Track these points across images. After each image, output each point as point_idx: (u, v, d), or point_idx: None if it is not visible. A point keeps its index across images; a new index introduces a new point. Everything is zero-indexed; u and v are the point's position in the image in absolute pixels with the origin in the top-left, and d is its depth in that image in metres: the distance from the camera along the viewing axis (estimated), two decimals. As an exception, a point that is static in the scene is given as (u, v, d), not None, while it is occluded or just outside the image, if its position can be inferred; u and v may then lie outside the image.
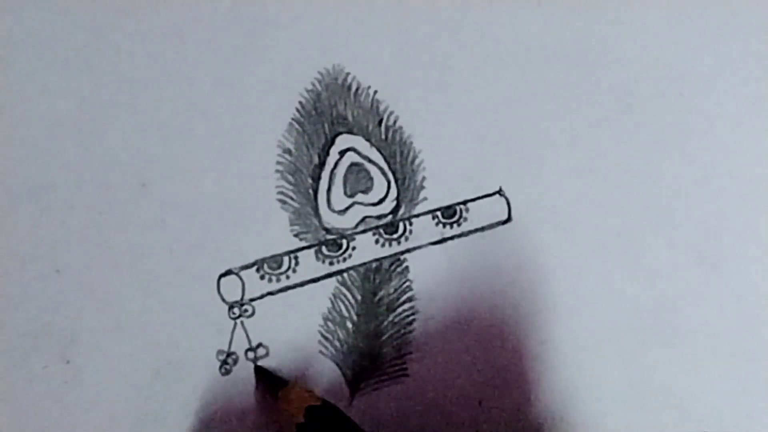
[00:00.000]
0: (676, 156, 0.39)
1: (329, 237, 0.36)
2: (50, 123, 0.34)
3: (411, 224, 0.37)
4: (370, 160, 0.37)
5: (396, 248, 0.37)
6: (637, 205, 0.39)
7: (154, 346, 0.34)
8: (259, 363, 0.35)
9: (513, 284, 0.37)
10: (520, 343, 0.37)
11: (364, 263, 0.36)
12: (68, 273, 0.34)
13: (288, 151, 0.36)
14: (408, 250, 0.37)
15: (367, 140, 0.37)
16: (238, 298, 0.35)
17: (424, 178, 0.37)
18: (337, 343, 0.36)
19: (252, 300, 0.35)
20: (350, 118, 0.36)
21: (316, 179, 0.36)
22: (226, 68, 0.35)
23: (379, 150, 0.37)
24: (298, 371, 0.35)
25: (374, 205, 0.37)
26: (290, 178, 0.36)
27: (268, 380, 0.35)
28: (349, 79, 0.36)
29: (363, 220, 0.36)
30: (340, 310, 0.36)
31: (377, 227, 0.37)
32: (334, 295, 0.36)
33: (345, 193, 0.36)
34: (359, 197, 0.36)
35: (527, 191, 0.38)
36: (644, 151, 0.39)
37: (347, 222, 0.36)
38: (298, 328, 0.35)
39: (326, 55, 0.36)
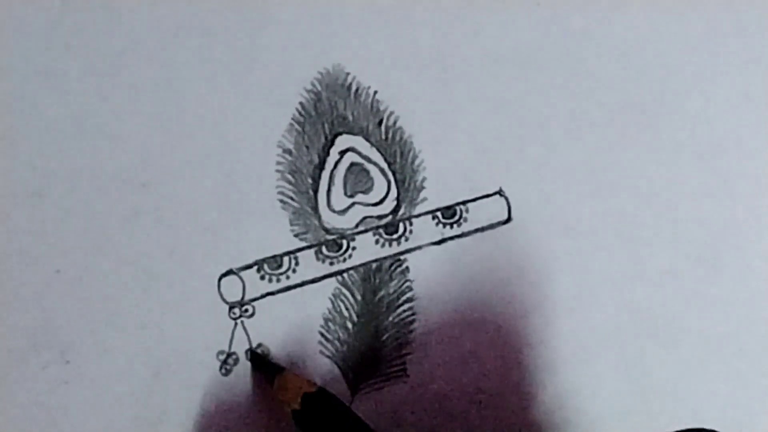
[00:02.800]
0: (676, 156, 0.39)
1: (329, 237, 0.36)
2: (50, 123, 0.34)
3: (411, 224, 0.37)
4: (370, 160, 0.37)
5: (396, 248, 0.37)
6: (637, 205, 0.39)
7: (154, 346, 0.34)
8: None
9: (513, 284, 0.37)
10: (520, 343, 0.37)
11: (364, 263, 0.36)
12: (68, 273, 0.34)
13: (288, 152, 0.36)
14: (408, 251, 0.37)
15: (367, 140, 0.37)
16: (239, 298, 0.35)
17: (424, 178, 0.37)
18: (337, 344, 0.36)
19: (252, 300, 0.35)
20: (350, 118, 0.36)
21: (316, 179, 0.36)
22: (226, 68, 0.35)
23: (379, 150, 0.37)
24: (298, 371, 0.35)
25: (374, 205, 0.37)
26: (290, 178, 0.36)
27: (263, 367, 0.35)
28: (349, 79, 0.36)
29: (363, 220, 0.36)
30: (340, 310, 0.36)
31: (377, 227, 0.37)
32: (334, 296, 0.36)
33: (345, 193, 0.36)
34: (359, 197, 0.36)
35: (527, 191, 0.38)
36: (644, 151, 0.39)
37: (347, 222, 0.36)
38: (298, 329, 0.35)
39: (326, 55, 0.36)
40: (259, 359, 0.35)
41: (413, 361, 0.36)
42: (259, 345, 0.35)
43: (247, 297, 0.35)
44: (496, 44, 0.38)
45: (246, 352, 0.35)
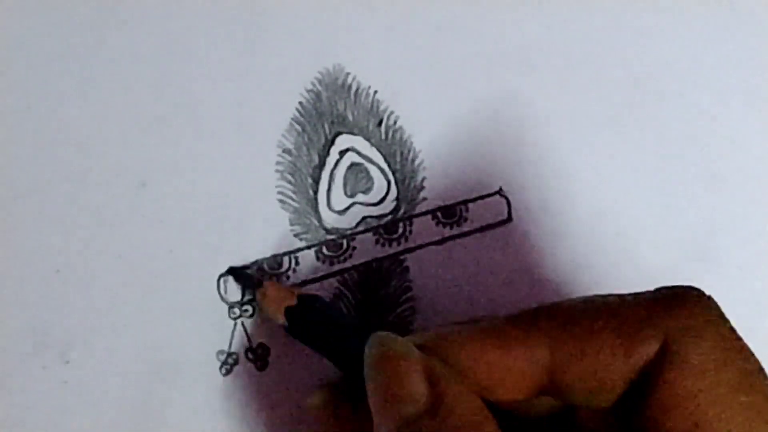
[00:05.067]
0: (676, 155, 0.39)
1: (329, 237, 0.36)
2: (50, 123, 0.34)
3: (411, 224, 0.37)
4: (370, 160, 0.37)
5: (396, 248, 0.37)
6: (637, 205, 0.39)
7: (154, 346, 0.34)
8: (259, 366, 0.35)
9: (513, 284, 0.37)
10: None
11: (364, 263, 0.36)
12: (68, 273, 0.34)
13: (288, 151, 0.36)
14: (408, 250, 0.37)
15: (367, 140, 0.37)
16: (239, 298, 0.35)
17: (424, 178, 0.37)
18: (337, 343, 0.36)
19: (252, 300, 0.35)
20: (350, 118, 0.36)
21: (316, 179, 0.36)
22: (226, 68, 0.35)
23: (379, 150, 0.37)
24: (297, 370, 0.35)
25: (374, 205, 0.37)
26: (290, 178, 0.36)
27: (242, 281, 0.35)
28: (349, 79, 0.36)
29: (363, 220, 0.36)
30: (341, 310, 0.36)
31: (377, 227, 0.37)
32: (334, 295, 0.36)
33: (345, 193, 0.36)
34: (359, 197, 0.36)
35: (527, 191, 0.38)
36: (644, 151, 0.39)
37: (347, 222, 0.36)
38: (298, 328, 0.35)
39: (326, 55, 0.36)
40: (237, 273, 0.35)
41: (413, 361, 0.36)
42: (259, 345, 0.35)
43: (247, 297, 0.35)
44: (496, 44, 0.38)
45: (245, 352, 0.35)
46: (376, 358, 0.28)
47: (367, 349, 0.29)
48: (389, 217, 0.37)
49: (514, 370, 0.28)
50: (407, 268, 0.37)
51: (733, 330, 0.28)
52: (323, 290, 0.36)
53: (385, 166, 0.37)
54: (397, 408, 0.26)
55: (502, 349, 0.28)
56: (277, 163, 0.36)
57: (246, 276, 0.35)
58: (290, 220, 0.36)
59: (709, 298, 0.28)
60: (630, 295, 0.29)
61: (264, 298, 0.33)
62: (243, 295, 0.35)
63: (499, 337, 0.28)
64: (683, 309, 0.27)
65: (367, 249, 0.36)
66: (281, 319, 0.33)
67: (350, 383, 0.31)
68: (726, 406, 0.26)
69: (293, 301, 0.33)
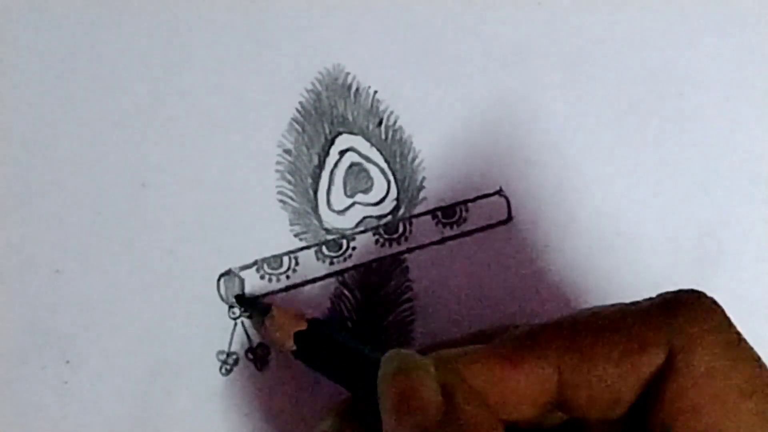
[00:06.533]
0: (676, 155, 0.39)
1: (329, 237, 0.36)
2: (50, 123, 0.34)
3: (411, 224, 0.37)
4: (370, 160, 0.37)
5: (396, 248, 0.37)
6: (636, 205, 0.39)
7: (154, 346, 0.34)
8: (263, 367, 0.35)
9: (513, 285, 0.37)
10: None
11: (364, 263, 0.36)
12: (68, 273, 0.34)
13: (288, 151, 0.36)
14: (408, 250, 0.37)
15: (367, 140, 0.37)
16: (238, 298, 0.35)
17: (424, 178, 0.37)
18: (337, 343, 0.36)
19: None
20: (350, 118, 0.36)
21: (316, 179, 0.36)
22: (226, 68, 0.35)
23: (379, 150, 0.37)
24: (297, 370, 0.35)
25: (374, 205, 0.37)
26: (290, 178, 0.36)
27: (251, 308, 0.34)
28: (349, 79, 0.36)
29: (363, 220, 0.36)
30: (340, 310, 0.36)
31: (377, 227, 0.37)
32: (334, 296, 0.36)
33: (345, 193, 0.36)
34: (359, 197, 0.36)
35: (527, 191, 0.38)
36: (644, 151, 0.39)
37: (347, 222, 0.36)
38: (298, 328, 0.35)
39: (326, 55, 0.36)
40: (246, 301, 0.34)
41: (413, 361, 0.36)
42: (259, 344, 0.35)
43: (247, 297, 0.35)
44: (497, 44, 0.38)
45: (245, 352, 0.35)
46: (392, 372, 0.28)
47: (382, 365, 0.28)
48: (389, 217, 0.37)
49: (523, 391, 0.28)
50: (407, 268, 0.37)
51: (738, 334, 0.28)
52: (323, 290, 0.36)
53: (385, 166, 0.37)
54: (411, 419, 0.26)
55: (510, 371, 0.28)
56: (277, 163, 0.36)
57: (253, 303, 0.34)
58: (290, 220, 0.36)
59: (713, 301, 0.28)
60: (632, 303, 0.29)
61: (273, 324, 0.33)
62: (243, 295, 0.35)
63: (506, 359, 0.28)
64: (687, 316, 0.27)
65: (367, 249, 0.36)
66: (290, 345, 0.33)
67: (360, 406, 0.31)
68: (734, 413, 0.26)
69: (303, 326, 0.33)
